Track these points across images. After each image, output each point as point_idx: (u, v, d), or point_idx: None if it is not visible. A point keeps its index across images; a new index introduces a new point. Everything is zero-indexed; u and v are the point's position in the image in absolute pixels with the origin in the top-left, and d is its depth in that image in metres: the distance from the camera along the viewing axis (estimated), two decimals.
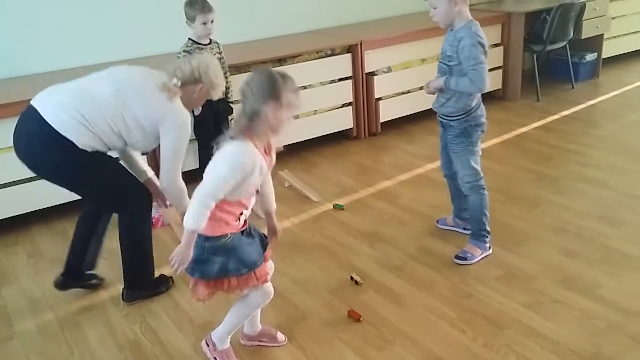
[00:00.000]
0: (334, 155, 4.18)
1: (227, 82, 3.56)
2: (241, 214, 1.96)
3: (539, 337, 2.21)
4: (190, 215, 1.81)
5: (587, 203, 3.23)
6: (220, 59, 3.51)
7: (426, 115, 4.73)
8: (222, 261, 1.91)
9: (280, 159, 4.12)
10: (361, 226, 3.14)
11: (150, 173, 2.67)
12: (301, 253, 2.92)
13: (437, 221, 3.09)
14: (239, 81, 3.68)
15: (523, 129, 4.48)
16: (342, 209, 3.34)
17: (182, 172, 3.53)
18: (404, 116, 4.63)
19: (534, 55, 5.07)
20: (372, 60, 4.33)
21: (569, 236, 2.91)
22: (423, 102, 4.69)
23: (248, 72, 3.87)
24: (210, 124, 3.47)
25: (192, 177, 3.69)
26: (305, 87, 4.09)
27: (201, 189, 1.81)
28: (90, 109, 2.26)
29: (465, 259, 2.73)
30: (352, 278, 2.63)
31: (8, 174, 3.16)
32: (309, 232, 3.12)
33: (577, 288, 2.49)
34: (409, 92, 4.63)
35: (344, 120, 4.37)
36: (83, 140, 2.25)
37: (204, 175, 1.85)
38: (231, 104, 3.63)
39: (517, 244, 2.87)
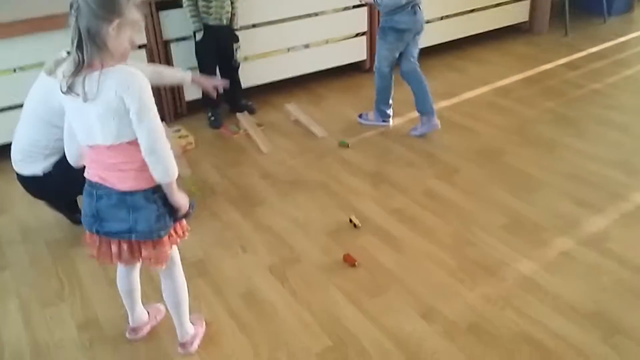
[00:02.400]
0: (344, 89, 4.01)
1: (233, 9, 3.38)
2: None
3: (540, 290, 2.12)
4: (173, 164, 1.62)
5: (606, 148, 3.06)
6: None
7: (446, 49, 4.52)
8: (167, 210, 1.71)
9: (287, 91, 4.04)
10: (365, 165, 3.03)
11: (188, 73, 2.57)
12: (302, 191, 2.83)
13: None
14: (245, 5, 3.53)
15: (547, 66, 4.24)
16: (347, 146, 3.22)
17: (187, 101, 3.48)
18: (422, 48, 4.38)
19: None
20: None
21: (582, 183, 2.76)
22: (445, 34, 4.47)
23: None
24: (212, 50, 3.32)
25: (194, 106, 3.62)
26: (316, 14, 3.88)
27: (158, 131, 1.58)
28: (30, 141, 2.31)
29: (361, 117, 3.48)
30: (351, 220, 2.55)
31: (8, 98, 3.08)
32: (311, 169, 3.02)
33: (585, 240, 2.38)
34: (428, 22, 4.36)
35: (357, 51, 4.16)
36: (39, 167, 2.34)
37: (139, 117, 1.55)
38: (236, 31, 3.45)
39: (528, 190, 2.74)
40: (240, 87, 3.62)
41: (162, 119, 3.46)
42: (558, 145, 3.13)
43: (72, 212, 2.60)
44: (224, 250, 2.42)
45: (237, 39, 3.45)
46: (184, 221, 1.81)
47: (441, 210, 2.62)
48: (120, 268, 1.88)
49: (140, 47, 3.35)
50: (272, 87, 3.91)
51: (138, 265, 1.90)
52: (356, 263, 2.29)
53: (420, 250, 2.37)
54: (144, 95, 1.56)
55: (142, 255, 1.72)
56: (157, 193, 1.67)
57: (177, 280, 1.85)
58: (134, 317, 1.98)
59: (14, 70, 3.07)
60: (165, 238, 1.72)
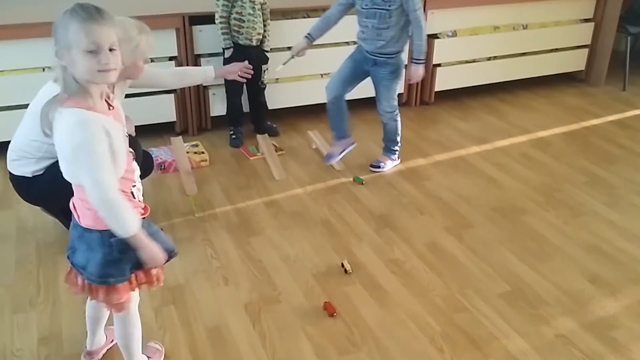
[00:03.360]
0: (374, 121, 3.85)
1: (265, 31, 3.35)
2: (133, 186, 1.64)
3: None
4: (129, 219, 1.50)
5: (638, 223, 2.82)
6: (262, 4, 3.28)
7: (488, 90, 4.34)
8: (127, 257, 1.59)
9: (317, 117, 3.96)
10: (374, 206, 2.91)
11: (211, 69, 2.67)
12: (302, 226, 2.74)
13: (326, 157, 3.24)
14: (279, 28, 3.48)
15: (594, 121, 3.99)
16: (362, 183, 3.11)
17: (212, 117, 3.73)
18: (463, 88, 4.23)
19: (628, 38, 4.45)
20: (437, 21, 3.93)
21: (602, 259, 2.54)
22: (487, 75, 4.29)
23: (295, 18, 3.63)
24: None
25: (220, 122, 3.60)
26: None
27: (102, 186, 1.45)
28: (26, 141, 2.30)
29: (379, 167, 3.22)
30: (342, 265, 2.43)
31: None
32: (318, 203, 2.92)
33: (589, 324, 2.17)
34: (474, 61, 4.21)
35: None
36: (29, 169, 2.32)
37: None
38: (267, 53, 3.41)
39: (539, 257, 2.54)
40: (266, 109, 3.58)
41: (185, 132, 3.53)
42: (586, 211, 2.91)
43: (67, 218, 2.59)
44: (206, 280, 2.35)
45: (266, 61, 3.41)
46: (160, 270, 1.71)
47: (441, 267, 2.47)
48: None
49: (170, 58, 3.37)
50: (302, 110, 3.85)
51: None
52: (335, 313, 2.18)
53: (407, 310, 2.23)
54: (80, 153, 1.43)
55: (97, 298, 1.63)
56: (116, 237, 1.52)
57: (129, 327, 1.76)
58: (93, 341, 1.93)
59: (43, 70, 3.13)
60: (120, 285, 1.61)
